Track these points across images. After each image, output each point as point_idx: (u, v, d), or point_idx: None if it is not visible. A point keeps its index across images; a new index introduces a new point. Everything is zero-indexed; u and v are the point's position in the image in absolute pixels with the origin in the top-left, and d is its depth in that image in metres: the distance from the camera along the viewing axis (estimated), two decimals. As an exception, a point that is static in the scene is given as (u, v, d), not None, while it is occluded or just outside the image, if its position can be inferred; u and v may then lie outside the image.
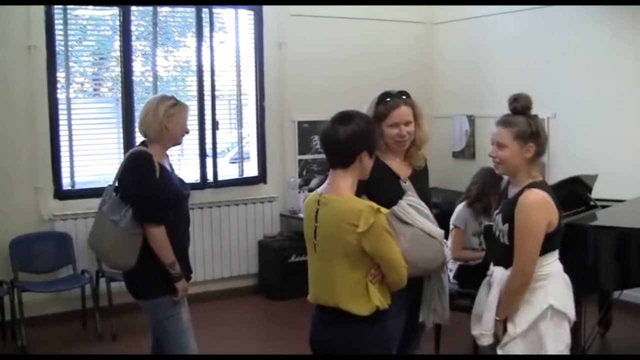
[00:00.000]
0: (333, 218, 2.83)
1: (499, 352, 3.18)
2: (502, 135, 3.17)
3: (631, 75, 6.18)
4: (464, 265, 5.01)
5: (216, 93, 6.84)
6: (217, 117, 6.84)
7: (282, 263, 6.77)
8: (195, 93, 6.78)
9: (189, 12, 6.75)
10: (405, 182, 3.37)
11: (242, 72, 7.05)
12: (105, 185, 3.81)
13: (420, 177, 3.47)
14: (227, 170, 7.30)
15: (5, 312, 5.75)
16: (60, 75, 6.15)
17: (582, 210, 4.84)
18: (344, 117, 2.87)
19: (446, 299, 3.45)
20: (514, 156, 3.15)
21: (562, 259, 3.27)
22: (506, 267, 3.17)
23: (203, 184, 6.78)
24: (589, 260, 4.22)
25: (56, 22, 6.06)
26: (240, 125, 7.16)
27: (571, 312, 3.21)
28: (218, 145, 6.93)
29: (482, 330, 3.24)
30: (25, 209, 6.04)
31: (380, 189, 3.18)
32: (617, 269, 4.27)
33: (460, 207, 5.15)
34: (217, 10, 6.86)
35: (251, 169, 7.22)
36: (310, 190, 3.24)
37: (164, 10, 6.68)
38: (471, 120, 7.60)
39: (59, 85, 6.15)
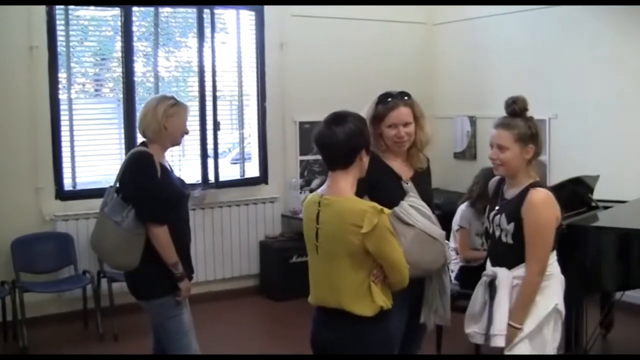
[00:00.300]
0: (336, 219, 2.82)
1: (507, 353, 3.20)
2: (502, 138, 3.20)
3: (633, 76, 6.17)
4: (465, 266, 5.02)
5: (217, 94, 6.84)
6: (219, 118, 6.84)
7: (284, 263, 6.77)
8: (196, 94, 6.78)
9: (190, 12, 6.76)
10: (407, 183, 3.36)
11: (244, 72, 7.05)
12: (106, 185, 3.81)
13: (422, 178, 3.47)
14: (229, 171, 7.30)
15: (7, 312, 5.76)
16: (62, 75, 6.16)
17: (583, 211, 4.84)
18: (338, 118, 2.87)
19: (447, 300, 3.45)
20: (515, 158, 3.19)
21: (564, 260, 3.28)
22: (510, 267, 3.18)
23: (204, 185, 6.78)
24: (591, 261, 4.23)
25: (58, 22, 6.07)
26: (241, 125, 7.16)
27: (564, 312, 3.29)
28: (219, 146, 6.93)
29: (478, 330, 3.29)
30: (26, 209, 6.05)
31: (382, 189, 3.18)
32: (618, 270, 4.27)
33: (463, 207, 5.15)
34: (218, 10, 6.86)
35: (252, 170, 7.23)
36: (312, 191, 3.23)
37: (165, 10, 6.69)
38: (472, 121, 7.60)
39: (60, 86, 6.15)
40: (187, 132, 3.84)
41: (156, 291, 3.68)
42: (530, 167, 3.25)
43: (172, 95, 3.82)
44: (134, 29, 6.45)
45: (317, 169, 7.28)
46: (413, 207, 3.23)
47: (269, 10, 7.05)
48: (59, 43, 6.10)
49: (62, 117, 6.17)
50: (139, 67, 6.59)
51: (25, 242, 5.93)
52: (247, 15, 7.05)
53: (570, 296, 3.31)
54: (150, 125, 3.68)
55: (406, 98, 3.38)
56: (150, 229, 3.60)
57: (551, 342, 3.19)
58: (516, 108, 3.22)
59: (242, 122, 7.16)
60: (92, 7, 6.33)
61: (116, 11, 6.35)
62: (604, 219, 4.74)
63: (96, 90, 6.77)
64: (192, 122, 6.46)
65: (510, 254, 3.19)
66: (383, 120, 3.33)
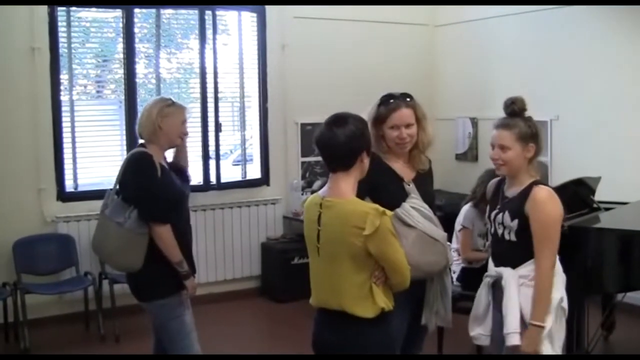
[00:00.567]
0: (338, 221, 2.82)
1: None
2: (504, 137, 3.23)
3: (635, 78, 6.17)
4: (467, 267, 5.01)
5: (219, 95, 6.84)
6: (220, 119, 6.84)
7: (285, 265, 6.77)
8: (198, 95, 6.78)
9: (192, 14, 6.76)
10: (409, 185, 3.36)
11: (245, 74, 7.06)
12: (108, 187, 3.81)
13: (424, 180, 3.47)
14: (230, 173, 7.31)
15: (9, 313, 5.76)
16: (64, 77, 6.17)
17: (585, 213, 4.84)
18: (339, 120, 2.87)
19: (449, 301, 3.45)
20: (516, 157, 3.22)
21: (566, 261, 3.29)
22: (514, 266, 3.19)
23: (206, 186, 6.79)
24: (592, 263, 4.23)
25: (59, 24, 6.08)
26: (243, 127, 7.16)
27: (567, 310, 3.30)
28: (221, 148, 6.94)
29: (483, 331, 3.30)
30: (28, 210, 6.06)
31: (384, 191, 3.18)
32: (620, 271, 4.27)
33: (466, 208, 5.14)
34: (220, 12, 6.87)
35: (254, 171, 7.23)
36: (313, 192, 3.23)
37: (167, 12, 6.70)
38: (474, 122, 7.60)
39: (62, 87, 6.16)
40: (185, 134, 3.84)
41: (158, 292, 3.68)
42: (531, 167, 3.27)
43: (170, 97, 3.84)
44: (136, 30, 6.45)
45: (318, 171, 7.29)
46: (415, 208, 3.23)
47: (270, 11, 7.05)
48: (60, 44, 6.11)
49: (63, 119, 6.18)
50: (140, 68, 6.60)
51: (27, 243, 5.94)
52: (248, 17, 7.06)
53: (571, 298, 3.30)
54: (146, 126, 3.70)
55: (408, 99, 3.38)
56: (154, 228, 3.61)
57: (557, 336, 3.20)
58: (515, 108, 3.25)
59: (244, 123, 7.16)
60: (93, 9, 6.34)
61: (118, 12, 6.36)
62: (606, 220, 4.74)
63: (98, 91, 6.77)
64: (194, 124, 6.47)
65: (514, 252, 3.20)
66: (385, 121, 3.33)
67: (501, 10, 7.14)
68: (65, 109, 6.19)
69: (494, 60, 7.38)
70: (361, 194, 2.91)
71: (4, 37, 5.93)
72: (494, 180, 3.50)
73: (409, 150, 3.41)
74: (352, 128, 2.84)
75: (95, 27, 6.56)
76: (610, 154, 6.27)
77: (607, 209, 5.01)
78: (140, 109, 6.00)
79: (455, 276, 4.94)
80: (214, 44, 6.77)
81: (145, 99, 6.46)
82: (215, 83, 6.79)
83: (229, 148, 7.71)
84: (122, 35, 6.39)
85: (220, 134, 6.86)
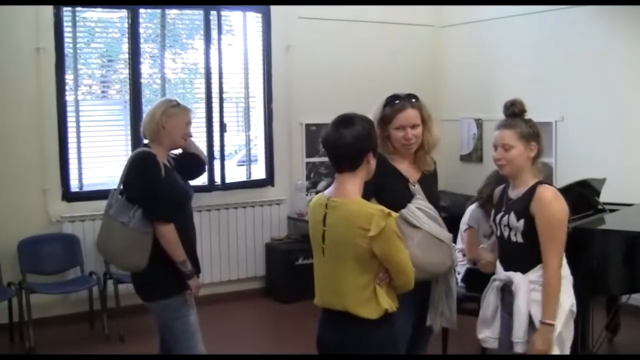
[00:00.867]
0: (343, 222, 2.82)
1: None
2: (506, 137, 3.24)
3: (640, 79, 6.17)
4: (471, 268, 4.99)
5: (224, 95, 6.85)
6: (225, 120, 6.85)
7: (290, 265, 6.77)
8: (203, 95, 6.79)
9: (197, 14, 6.77)
10: (415, 185, 3.36)
11: (250, 74, 7.06)
12: (113, 187, 3.82)
13: (429, 181, 3.47)
14: (235, 173, 7.31)
15: (14, 313, 5.76)
16: (69, 77, 6.18)
17: (590, 214, 4.83)
18: (346, 120, 2.87)
19: (454, 302, 3.45)
20: (519, 156, 3.23)
21: (571, 263, 3.28)
22: (523, 270, 3.18)
23: (211, 187, 6.79)
24: (597, 264, 4.22)
25: (65, 24, 6.09)
26: (247, 127, 7.17)
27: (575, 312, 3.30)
28: (226, 148, 6.95)
29: (491, 334, 3.29)
30: (33, 210, 6.07)
31: (389, 192, 3.18)
32: (625, 273, 4.26)
33: (472, 207, 5.12)
34: (225, 12, 6.88)
35: (259, 172, 7.23)
36: (318, 193, 3.23)
37: (172, 12, 6.70)
38: (479, 123, 7.59)
39: (67, 88, 6.17)
40: (189, 135, 3.86)
41: (163, 292, 3.69)
42: (535, 168, 3.28)
43: (176, 99, 3.87)
44: (141, 30, 6.46)
45: (323, 171, 7.28)
46: (420, 209, 3.24)
47: (275, 12, 7.05)
48: (66, 45, 6.12)
49: (68, 119, 6.19)
50: (145, 68, 6.60)
51: (32, 243, 5.95)
52: (253, 17, 7.06)
53: (576, 299, 3.30)
54: (150, 126, 3.73)
55: (414, 100, 3.38)
56: (158, 227, 3.62)
57: (566, 341, 3.21)
58: (515, 110, 3.28)
59: (249, 124, 7.17)
60: (99, 9, 6.35)
61: (123, 13, 6.37)
62: (611, 221, 4.73)
63: (103, 91, 6.78)
64: (199, 124, 6.47)
65: (522, 254, 3.19)
66: (390, 122, 3.33)
67: (507, 11, 7.13)
68: (70, 109, 6.20)
69: (499, 61, 7.37)
70: (367, 194, 2.91)
71: (9, 37, 5.95)
72: (500, 188, 3.49)
73: (415, 151, 3.41)
74: (358, 129, 2.83)
75: (101, 27, 6.57)
76: (616, 155, 6.26)
77: (612, 211, 5.01)
78: (145, 109, 6.07)
79: (459, 277, 4.93)
80: (219, 44, 6.78)
81: (150, 99, 6.47)
82: (220, 83, 6.80)
83: (233, 148, 7.71)
84: (127, 35, 6.40)
85: (225, 134, 6.87)
